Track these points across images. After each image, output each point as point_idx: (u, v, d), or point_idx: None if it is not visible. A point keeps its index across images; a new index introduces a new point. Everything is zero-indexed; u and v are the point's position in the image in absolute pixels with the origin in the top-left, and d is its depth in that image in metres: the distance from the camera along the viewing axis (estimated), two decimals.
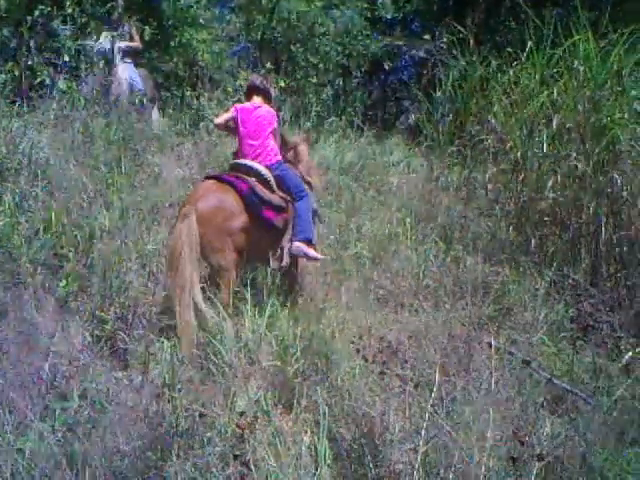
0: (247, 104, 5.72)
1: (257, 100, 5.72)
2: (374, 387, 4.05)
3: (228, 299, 4.73)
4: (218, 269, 4.90)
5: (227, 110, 5.97)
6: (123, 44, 8.79)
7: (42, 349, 3.77)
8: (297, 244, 5.29)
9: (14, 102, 6.78)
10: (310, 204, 5.58)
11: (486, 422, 3.38)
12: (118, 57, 8.69)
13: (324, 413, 3.54)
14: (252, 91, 5.81)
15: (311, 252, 5.33)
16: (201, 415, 3.50)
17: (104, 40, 8.74)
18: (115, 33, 8.88)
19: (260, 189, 5.20)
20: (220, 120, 5.79)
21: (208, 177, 5.31)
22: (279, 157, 5.63)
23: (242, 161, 5.45)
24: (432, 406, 3.49)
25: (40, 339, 3.85)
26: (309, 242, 5.34)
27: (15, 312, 3.99)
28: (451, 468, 3.12)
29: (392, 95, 18.28)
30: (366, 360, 4.08)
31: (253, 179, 5.25)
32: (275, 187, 5.40)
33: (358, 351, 4.22)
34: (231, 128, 5.75)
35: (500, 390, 4.13)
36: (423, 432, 2.88)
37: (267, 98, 5.80)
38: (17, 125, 6.19)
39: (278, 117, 5.79)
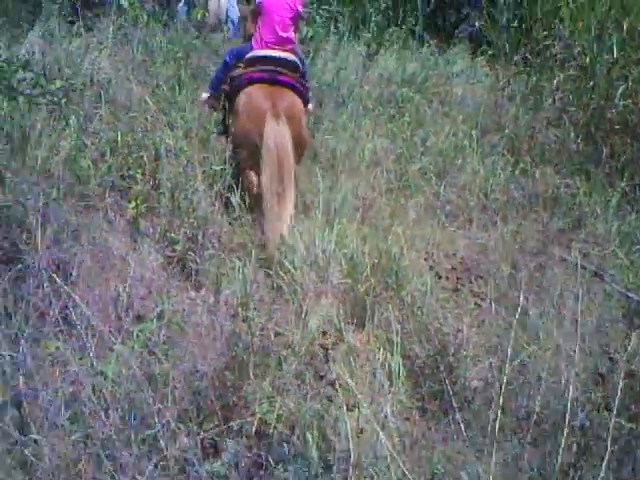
0: None
1: None
2: (446, 304, 4.04)
3: None
4: (299, 161, 5.14)
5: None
6: None
7: (117, 271, 3.81)
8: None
9: (73, 22, 6.70)
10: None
11: (566, 337, 3.36)
12: None
13: (397, 330, 3.53)
14: None
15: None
16: (276, 334, 3.51)
17: None
18: None
19: (301, 83, 5.30)
20: (250, 24, 5.55)
21: (259, 78, 5.15)
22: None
23: (278, 54, 5.22)
24: (509, 323, 3.45)
25: (114, 261, 3.88)
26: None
27: (88, 235, 4.02)
28: (532, 384, 3.10)
29: (451, 2, 17.77)
30: (439, 277, 4.05)
31: (297, 74, 5.28)
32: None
33: (431, 268, 4.18)
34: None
35: (574, 305, 4.10)
36: (509, 350, 2.81)
37: None
38: (77, 45, 6.15)
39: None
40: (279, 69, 5.14)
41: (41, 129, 4.84)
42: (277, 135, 4.79)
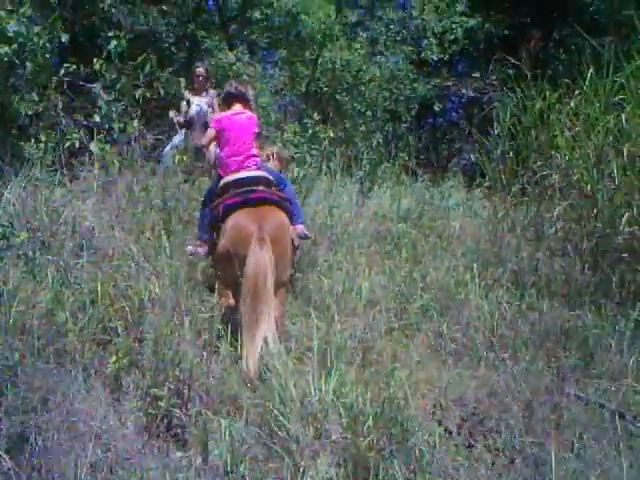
0: (228, 112, 5.87)
1: (237, 107, 5.85)
2: (458, 457, 3.70)
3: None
4: (284, 284, 5.25)
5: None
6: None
7: (93, 437, 3.48)
8: (300, 227, 5.91)
9: (55, 170, 6.59)
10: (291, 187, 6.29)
11: None
12: (199, 123, 8.49)
13: None
14: (231, 99, 5.94)
15: (307, 232, 6.00)
16: None
17: (195, 106, 8.56)
18: (204, 100, 8.74)
19: (278, 195, 5.49)
20: (206, 141, 6.06)
21: (243, 202, 5.27)
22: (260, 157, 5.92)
23: (247, 174, 5.47)
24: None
25: (89, 426, 3.56)
26: (300, 221, 5.96)
27: (60, 398, 3.71)
28: None
29: (443, 137, 18.10)
30: (450, 433, 3.72)
31: (272, 188, 5.49)
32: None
33: (440, 424, 3.85)
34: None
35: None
36: None
37: (247, 103, 5.94)
38: (59, 194, 6.02)
39: (258, 120, 6.05)
40: (252, 187, 5.32)
41: (17, 282, 4.58)
42: (258, 263, 4.84)
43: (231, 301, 5.18)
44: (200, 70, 9.10)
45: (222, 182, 5.53)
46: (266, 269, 4.83)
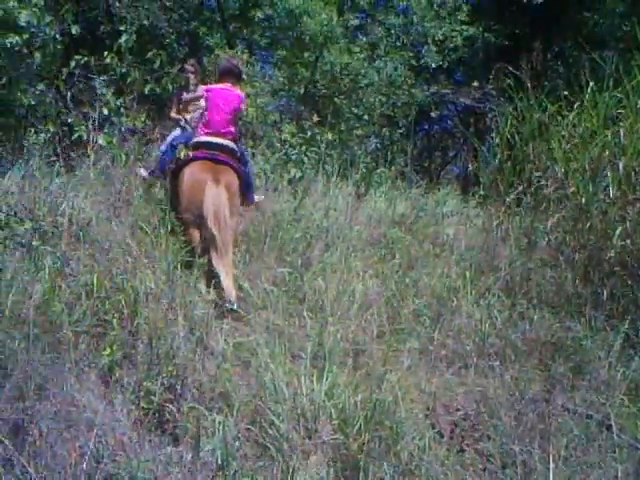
0: (219, 85, 6.43)
1: (228, 83, 6.41)
2: (447, 462, 3.72)
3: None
4: (233, 230, 5.96)
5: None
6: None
7: (86, 428, 3.49)
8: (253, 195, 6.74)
9: (54, 162, 6.58)
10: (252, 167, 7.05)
11: None
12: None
13: None
14: (225, 74, 6.50)
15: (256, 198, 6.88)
16: None
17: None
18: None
19: (238, 165, 6.26)
20: (188, 97, 7.31)
21: (202, 157, 6.12)
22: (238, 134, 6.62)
23: (218, 140, 6.20)
24: None
25: (83, 416, 3.57)
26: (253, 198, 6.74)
27: (55, 388, 3.71)
28: None
29: (437, 144, 18.13)
30: (442, 436, 3.75)
31: (235, 158, 6.26)
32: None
33: (433, 427, 3.88)
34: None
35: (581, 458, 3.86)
36: None
37: (238, 80, 6.61)
38: (57, 185, 6.03)
39: (245, 99, 6.87)
40: (220, 152, 6.12)
41: (13, 272, 4.58)
42: (215, 196, 5.77)
43: (197, 242, 5.87)
44: (187, 67, 9.11)
45: (197, 139, 6.27)
46: (224, 200, 5.76)
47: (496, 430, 4.14)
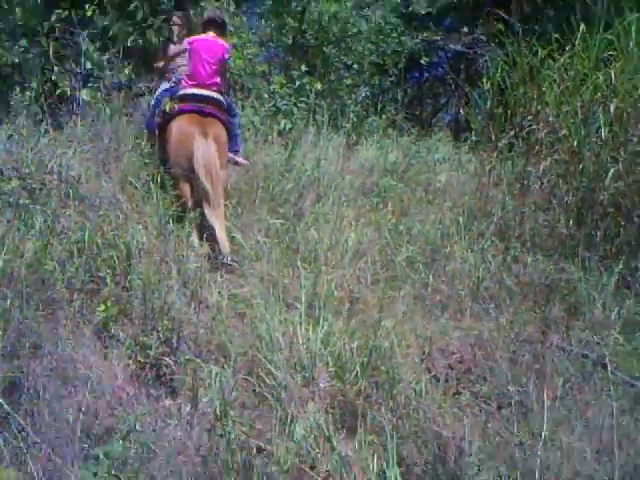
0: (202, 36, 6.36)
1: (212, 33, 6.34)
2: (444, 405, 3.75)
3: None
4: (224, 182, 5.99)
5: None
6: None
7: (82, 384, 3.49)
8: (230, 155, 6.43)
9: (42, 120, 6.49)
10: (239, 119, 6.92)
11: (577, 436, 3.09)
12: None
13: (391, 436, 3.21)
14: (209, 24, 6.45)
15: (240, 159, 6.68)
16: (258, 449, 3.19)
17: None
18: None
19: (225, 117, 6.23)
20: (172, 52, 6.91)
21: (189, 110, 6.08)
22: (226, 86, 6.63)
23: (204, 92, 6.15)
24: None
25: (79, 372, 3.57)
26: (237, 152, 6.61)
27: (50, 344, 3.71)
28: None
29: (429, 92, 17.99)
30: (437, 380, 3.77)
31: (222, 110, 6.21)
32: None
33: (429, 371, 3.91)
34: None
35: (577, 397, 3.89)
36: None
37: (222, 31, 6.54)
38: (44, 143, 5.95)
39: (231, 49, 6.91)
40: (206, 104, 6.07)
41: (4, 231, 4.54)
42: (204, 150, 5.76)
43: (187, 195, 5.87)
44: (174, 19, 8.99)
45: (183, 92, 6.18)
46: (213, 153, 5.78)
47: (492, 372, 4.18)
